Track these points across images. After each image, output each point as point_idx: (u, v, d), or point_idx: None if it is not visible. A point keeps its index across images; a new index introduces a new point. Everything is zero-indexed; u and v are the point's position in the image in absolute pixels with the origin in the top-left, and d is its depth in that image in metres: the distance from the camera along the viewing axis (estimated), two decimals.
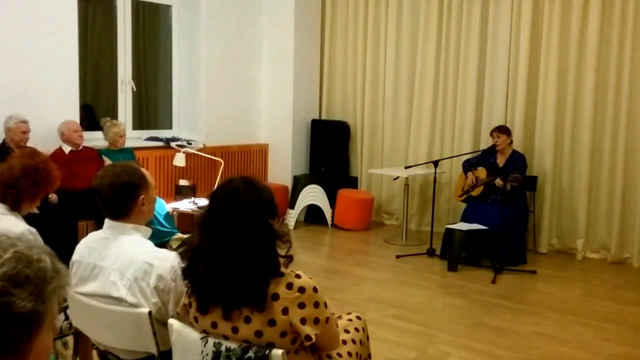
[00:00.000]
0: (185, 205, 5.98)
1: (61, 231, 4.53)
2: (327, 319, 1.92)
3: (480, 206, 5.84)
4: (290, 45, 7.30)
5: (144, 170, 2.38)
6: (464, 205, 6.12)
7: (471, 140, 6.62)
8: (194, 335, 1.96)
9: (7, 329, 0.96)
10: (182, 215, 5.93)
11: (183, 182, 6.31)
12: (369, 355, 2.48)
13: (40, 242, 2.46)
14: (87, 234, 2.49)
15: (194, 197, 6.15)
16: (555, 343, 3.91)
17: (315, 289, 1.88)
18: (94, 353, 2.87)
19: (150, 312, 2.10)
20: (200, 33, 6.78)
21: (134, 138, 6.36)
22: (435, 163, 6.03)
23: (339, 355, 2.20)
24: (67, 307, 2.54)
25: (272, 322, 1.84)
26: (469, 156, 6.26)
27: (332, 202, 7.14)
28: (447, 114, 6.86)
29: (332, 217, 7.14)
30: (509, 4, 6.30)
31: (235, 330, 1.88)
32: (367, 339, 2.48)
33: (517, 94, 6.29)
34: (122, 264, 2.19)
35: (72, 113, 5.55)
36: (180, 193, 6.22)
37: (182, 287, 2.11)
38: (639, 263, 5.76)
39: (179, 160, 6.31)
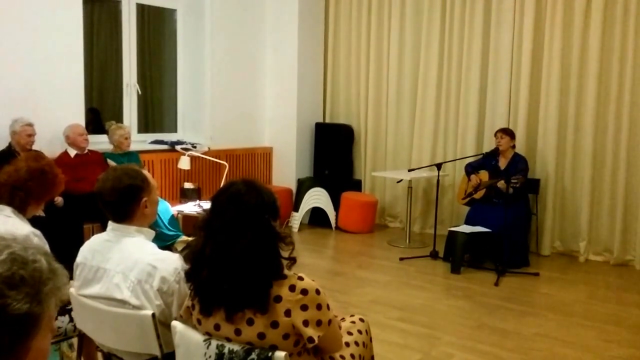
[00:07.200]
0: (190, 208, 6.01)
1: (67, 234, 4.55)
2: (330, 321, 1.92)
3: (483, 209, 5.84)
4: (294, 48, 7.32)
5: (145, 172, 2.39)
6: (467, 207, 6.12)
7: (474, 143, 6.63)
8: (197, 337, 1.97)
9: (3, 331, 0.95)
10: (187, 218, 5.95)
11: (188, 185, 6.34)
12: (372, 358, 2.49)
13: (45, 244, 2.49)
14: (92, 236, 2.50)
15: (199, 199, 6.19)
16: (558, 345, 3.91)
17: (317, 291, 1.89)
18: (99, 355, 2.90)
19: (153, 314, 2.12)
20: (205, 37, 6.80)
21: (139, 141, 6.38)
22: (439, 166, 6.03)
23: (342, 357, 2.20)
24: (71, 309, 2.56)
25: (274, 324, 1.85)
26: (471, 159, 6.28)
27: (336, 204, 7.15)
28: (450, 117, 6.87)
29: (336, 219, 7.15)
30: (512, 8, 6.31)
31: (238, 332, 1.89)
32: (370, 341, 2.49)
33: (519, 97, 6.30)
34: (126, 266, 2.20)
35: (78, 116, 5.58)
36: (185, 196, 6.26)
37: (185, 289, 2.11)
38: None
39: (184, 163, 6.33)
